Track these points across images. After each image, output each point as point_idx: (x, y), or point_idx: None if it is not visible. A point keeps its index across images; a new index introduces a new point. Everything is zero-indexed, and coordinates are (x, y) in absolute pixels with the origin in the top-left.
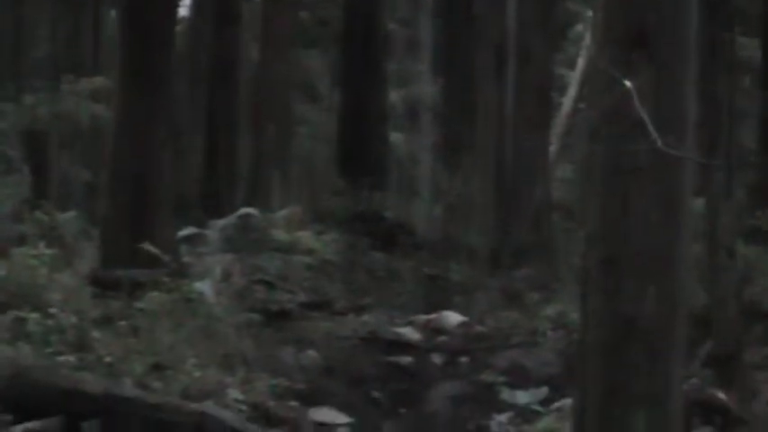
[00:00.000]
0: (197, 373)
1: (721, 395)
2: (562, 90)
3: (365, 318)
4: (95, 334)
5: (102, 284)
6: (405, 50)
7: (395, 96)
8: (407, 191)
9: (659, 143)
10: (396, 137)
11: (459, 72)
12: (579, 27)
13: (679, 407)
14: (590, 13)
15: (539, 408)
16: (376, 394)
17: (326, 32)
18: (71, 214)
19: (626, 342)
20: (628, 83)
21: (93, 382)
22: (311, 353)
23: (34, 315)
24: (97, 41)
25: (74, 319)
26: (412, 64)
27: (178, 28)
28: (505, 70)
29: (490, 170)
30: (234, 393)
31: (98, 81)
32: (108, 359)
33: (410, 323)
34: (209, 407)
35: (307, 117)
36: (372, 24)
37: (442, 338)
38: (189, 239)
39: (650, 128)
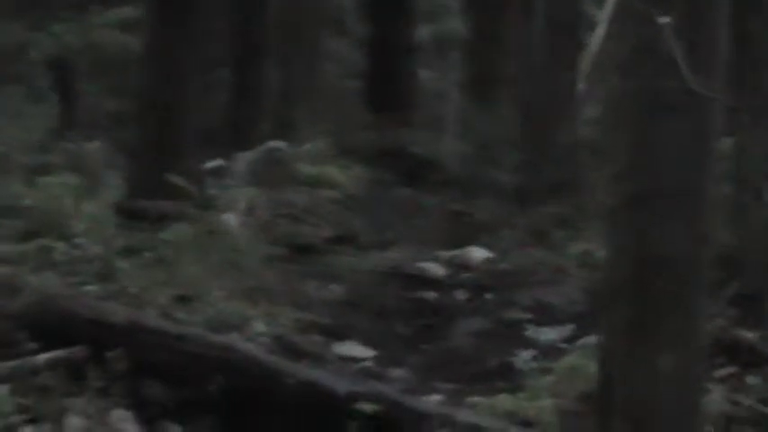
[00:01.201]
0: (221, 305)
1: (747, 334)
2: (591, 28)
3: (390, 253)
4: (120, 264)
5: (127, 215)
6: None
7: (423, 31)
8: (435, 127)
9: (691, 82)
10: (424, 72)
11: (487, 8)
12: None
13: (704, 346)
14: None
15: (563, 345)
16: (400, 329)
17: None
18: (97, 144)
19: (652, 280)
20: (662, 18)
21: (117, 313)
22: (335, 287)
23: (60, 244)
24: None
25: (99, 249)
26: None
27: None
28: (534, 6)
29: (518, 107)
30: (258, 326)
31: (126, 11)
32: (133, 290)
33: (435, 258)
34: (233, 338)
35: (334, 51)
36: None
37: (467, 274)
38: (215, 171)
39: (683, 65)
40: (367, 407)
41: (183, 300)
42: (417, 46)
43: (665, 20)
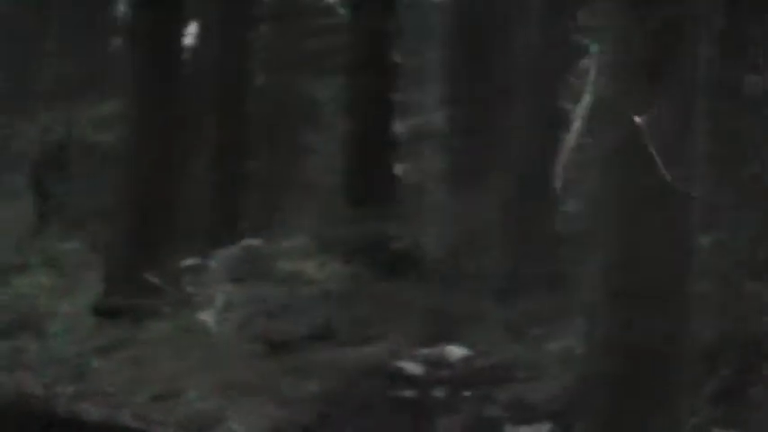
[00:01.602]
0: (198, 404)
1: None
2: (568, 124)
3: (368, 350)
4: (96, 364)
5: (104, 313)
6: (412, 80)
7: (402, 125)
8: (415, 220)
9: (669, 178)
10: (404, 166)
11: (466, 102)
12: (585, 60)
13: None
14: (596, 47)
15: None
16: (378, 427)
17: (333, 61)
18: (74, 242)
19: (632, 375)
20: (639, 117)
21: (92, 412)
22: (313, 384)
23: (35, 344)
24: (107, 67)
25: (74, 349)
26: (419, 94)
27: (184, 56)
28: (513, 101)
29: (498, 201)
30: (235, 424)
31: (108, 107)
32: (109, 389)
33: (414, 356)
34: None
35: (313, 145)
36: (380, 54)
37: (446, 372)
38: (193, 269)
39: (659, 163)
40: None
41: (159, 398)
42: (397, 139)
43: (641, 119)
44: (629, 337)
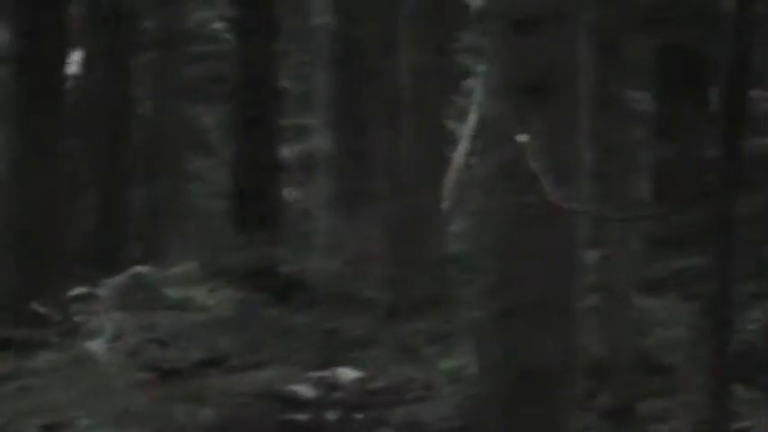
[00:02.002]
0: None
1: None
2: (454, 143)
3: (260, 374)
4: None
5: None
6: (299, 105)
7: (289, 151)
8: (303, 245)
9: (552, 196)
10: (290, 191)
11: (354, 125)
12: (470, 80)
13: None
14: (481, 67)
15: None
16: None
17: (218, 88)
18: None
19: (523, 393)
20: (522, 136)
21: None
22: (206, 411)
23: None
24: None
25: None
26: (306, 118)
27: (68, 84)
28: (400, 123)
29: (385, 223)
30: None
31: None
32: None
33: (306, 379)
34: None
35: (200, 171)
36: (265, 79)
37: (338, 394)
38: (80, 298)
39: (543, 181)
40: None
41: (49, 429)
42: (283, 164)
43: (523, 138)
44: (516, 356)
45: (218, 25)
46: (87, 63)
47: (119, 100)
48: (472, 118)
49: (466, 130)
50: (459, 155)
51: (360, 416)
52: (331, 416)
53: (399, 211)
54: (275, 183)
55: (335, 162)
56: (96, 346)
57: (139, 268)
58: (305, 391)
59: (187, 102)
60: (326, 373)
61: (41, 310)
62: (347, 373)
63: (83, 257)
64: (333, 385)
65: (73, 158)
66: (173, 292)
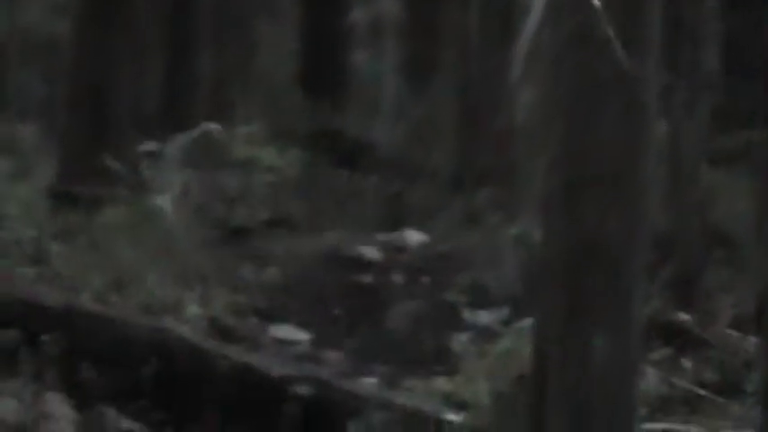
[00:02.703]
0: (156, 289)
1: (682, 316)
2: (526, 13)
3: (326, 236)
4: (54, 248)
5: (60, 198)
6: None
7: (358, 15)
8: (370, 110)
9: (625, 64)
10: (359, 55)
11: None
12: None
13: (639, 329)
14: None
15: (499, 328)
16: (336, 312)
17: None
18: (30, 127)
19: (587, 264)
20: (595, 2)
21: (52, 296)
22: (271, 270)
23: None
24: None
25: (32, 233)
26: None
27: None
28: None
29: (454, 91)
30: (193, 309)
31: None
32: (67, 273)
33: (371, 242)
34: (167, 322)
35: (269, 34)
36: None
37: (404, 257)
38: (149, 154)
39: (617, 48)
40: (302, 390)
41: (117, 283)
42: (352, 29)
43: (596, 3)
44: (581, 227)
45: None
46: None
47: None
48: None
49: None
50: (530, 23)
51: (424, 279)
52: (396, 278)
53: (467, 80)
54: (344, 47)
55: (405, 29)
56: (163, 202)
57: (208, 126)
58: (371, 253)
59: None
60: (393, 236)
61: (110, 164)
62: (413, 236)
63: (152, 115)
64: (399, 248)
65: (142, 15)
66: (240, 151)
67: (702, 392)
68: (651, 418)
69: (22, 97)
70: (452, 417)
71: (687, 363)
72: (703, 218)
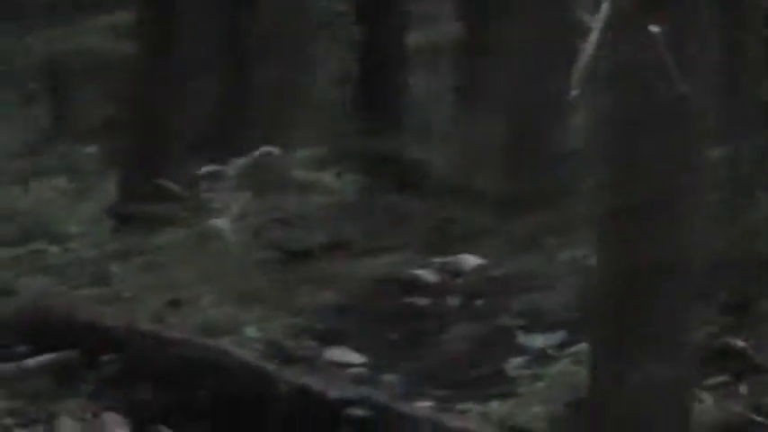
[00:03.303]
0: (213, 310)
1: (739, 342)
2: (584, 35)
3: (383, 259)
4: (113, 268)
5: (120, 219)
6: None
7: (415, 37)
8: (426, 133)
9: (681, 90)
10: (415, 78)
11: (480, 14)
12: None
13: (695, 354)
14: None
15: (555, 351)
16: (392, 335)
17: None
18: (91, 148)
19: (640, 288)
20: (653, 28)
21: (112, 317)
22: (328, 293)
23: (53, 248)
24: None
25: (93, 253)
26: (434, 5)
27: None
28: (528, 13)
29: (508, 114)
30: (250, 331)
31: (119, 16)
32: (126, 294)
33: (427, 265)
34: (225, 343)
35: (325, 56)
36: None
37: (459, 281)
38: (208, 176)
39: (674, 73)
40: (358, 412)
41: (175, 304)
42: (409, 51)
43: (655, 28)
44: (633, 251)
45: None
46: None
47: None
48: (604, 8)
49: (596, 19)
50: (589, 45)
51: (480, 302)
52: (452, 301)
53: (521, 103)
54: (400, 69)
55: (461, 52)
56: (222, 224)
57: (267, 149)
58: (427, 275)
59: None
60: (448, 259)
61: (169, 185)
62: (469, 260)
63: (209, 138)
64: (454, 271)
65: (197, 38)
66: (298, 174)
67: (759, 419)
68: None
69: (83, 118)
70: None
71: (743, 388)
72: (759, 242)
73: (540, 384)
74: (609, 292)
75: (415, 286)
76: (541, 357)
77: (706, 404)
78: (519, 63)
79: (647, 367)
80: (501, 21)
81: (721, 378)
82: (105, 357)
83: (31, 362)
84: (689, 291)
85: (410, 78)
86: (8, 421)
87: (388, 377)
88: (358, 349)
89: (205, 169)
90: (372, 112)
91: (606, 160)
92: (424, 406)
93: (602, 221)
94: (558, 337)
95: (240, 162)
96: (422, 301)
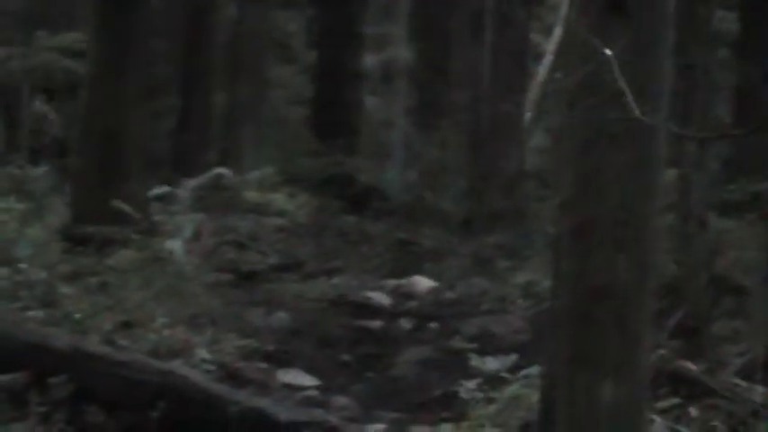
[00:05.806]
0: (165, 332)
1: (690, 366)
2: (538, 58)
3: (335, 281)
4: (64, 290)
5: (72, 240)
6: (382, 14)
7: (370, 60)
8: (381, 155)
9: (636, 112)
10: (370, 100)
11: (435, 36)
12: None
13: (647, 377)
14: None
15: (507, 375)
16: (344, 357)
17: None
18: (42, 169)
19: (595, 310)
20: (607, 51)
21: (61, 338)
22: (280, 314)
23: (2, 269)
24: None
25: (43, 275)
26: (388, 27)
27: None
28: (482, 35)
29: (464, 135)
30: (202, 353)
31: (72, 36)
32: (76, 315)
33: (380, 287)
34: (176, 365)
35: (281, 77)
36: None
37: (412, 303)
38: (160, 198)
39: (629, 96)
40: None
41: (126, 326)
42: (364, 73)
43: (609, 52)
44: (590, 273)
45: None
46: None
47: (201, 3)
48: (558, 32)
49: (551, 43)
50: (543, 68)
51: (433, 325)
52: (404, 324)
53: (478, 124)
54: (355, 91)
55: (416, 73)
56: (174, 245)
57: (220, 170)
58: (379, 298)
59: (269, 8)
60: (401, 282)
61: (122, 207)
62: (422, 283)
63: (163, 158)
64: (407, 294)
65: (154, 61)
66: (251, 196)
67: None
68: None
69: (35, 139)
70: None
71: (695, 411)
72: (711, 267)
73: (493, 407)
74: (562, 314)
75: (368, 309)
76: (494, 380)
77: (657, 427)
78: (474, 85)
79: (599, 389)
80: (456, 43)
81: (673, 401)
82: (54, 379)
83: None
84: (642, 313)
85: (366, 100)
86: None
87: (341, 400)
88: (310, 371)
89: (158, 191)
90: (328, 133)
91: (562, 181)
92: (376, 428)
93: (556, 241)
94: (510, 360)
95: (192, 183)
96: (374, 324)
